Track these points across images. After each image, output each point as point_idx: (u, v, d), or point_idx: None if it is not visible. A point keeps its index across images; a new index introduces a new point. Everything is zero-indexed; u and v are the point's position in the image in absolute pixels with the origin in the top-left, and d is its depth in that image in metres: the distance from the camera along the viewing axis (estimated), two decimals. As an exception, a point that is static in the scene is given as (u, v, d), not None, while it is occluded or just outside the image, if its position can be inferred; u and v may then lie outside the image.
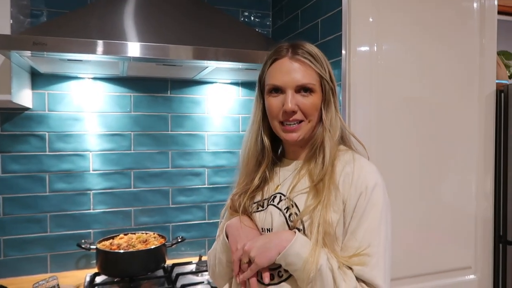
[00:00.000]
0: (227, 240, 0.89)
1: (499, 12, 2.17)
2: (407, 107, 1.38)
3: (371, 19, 1.33)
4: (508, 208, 1.47)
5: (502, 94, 1.53)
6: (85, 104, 1.70)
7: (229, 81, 1.86)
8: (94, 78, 1.71)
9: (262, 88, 0.94)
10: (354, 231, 0.82)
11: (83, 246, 1.58)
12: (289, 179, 0.92)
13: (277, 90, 0.89)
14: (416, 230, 1.39)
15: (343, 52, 1.32)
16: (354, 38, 1.31)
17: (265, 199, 0.92)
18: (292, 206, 0.86)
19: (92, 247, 1.58)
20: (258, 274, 0.85)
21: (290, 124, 0.88)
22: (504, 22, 2.29)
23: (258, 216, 0.91)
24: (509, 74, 1.89)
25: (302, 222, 0.83)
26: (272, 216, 0.88)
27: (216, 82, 1.86)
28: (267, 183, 0.95)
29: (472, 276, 1.47)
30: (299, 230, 0.83)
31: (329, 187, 0.83)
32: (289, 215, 0.85)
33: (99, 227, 1.72)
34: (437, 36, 1.42)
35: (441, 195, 1.44)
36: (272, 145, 0.96)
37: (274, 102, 0.89)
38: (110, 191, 1.74)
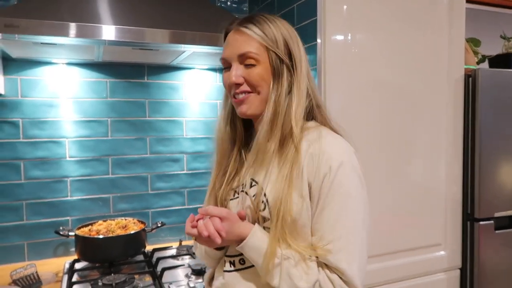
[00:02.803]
0: None
1: (468, 1, 2.25)
2: (380, 93, 1.43)
3: (345, 7, 1.35)
4: (476, 188, 1.54)
5: (470, 79, 1.59)
6: (60, 90, 1.67)
7: (207, 67, 1.86)
8: (69, 64, 1.68)
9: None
10: (318, 216, 0.79)
11: (61, 233, 1.57)
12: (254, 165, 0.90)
13: (227, 65, 0.87)
14: (389, 210, 1.45)
15: (318, 39, 1.34)
16: (329, 25, 1.33)
17: (241, 185, 0.89)
18: (261, 194, 0.82)
19: (70, 233, 1.57)
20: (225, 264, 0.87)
21: (239, 96, 0.86)
22: (473, 10, 2.37)
23: (231, 204, 0.90)
24: (477, 60, 1.96)
25: (269, 212, 0.81)
26: (243, 204, 0.86)
27: (193, 68, 1.86)
28: (243, 166, 0.91)
29: (442, 252, 1.55)
30: (264, 220, 0.82)
31: (292, 172, 0.79)
32: (257, 204, 0.83)
33: (78, 215, 1.71)
34: (408, 24, 1.46)
35: (413, 177, 1.50)
36: (246, 126, 0.93)
37: (225, 76, 0.88)
38: (88, 178, 1.73)
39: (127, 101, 1.78)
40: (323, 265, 0.78)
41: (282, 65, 0.84)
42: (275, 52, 0.84)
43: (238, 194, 0.89)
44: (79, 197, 1.72)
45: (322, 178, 0.78)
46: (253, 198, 0.83)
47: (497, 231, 1.56)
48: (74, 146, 1.70)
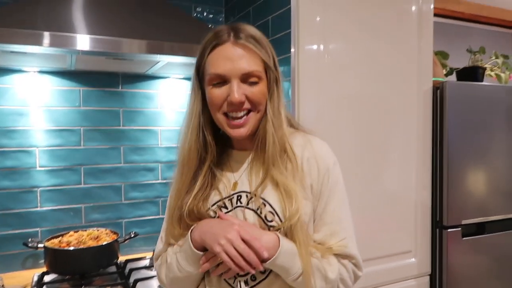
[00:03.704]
0: (194, 250, 0.81)
1: (437, 15, 2.34)
2: (352, 103, 1.46)
3: (318, 18, 1.39)
4: (444, 196, 1.59)
5: (438, 91, 1.65)
6: (30, 99, 1.63)
7: (182, 76, 1.87)
8: (40, 72, 1.65)
9: (201, 78, 0.86)
10: (323, 213, 0.86)
11: (30, 245, 1.53)
12: (244, 174, 0.88)
13: (220, 80, 0.81)
14: (359, 218, 1.48)
15: (292, 49, 1.37)
16: (303, 36, 1.37)
17: (225, 199, 0.86)
18: (265, 205, 0.82)
19: (40, 245, 1.53)
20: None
21: (238, 117, 0.82)
22: (441, 24, 2.46)
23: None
24: (445, 73, 2.04)
25: (280, 220, 0.81)
26: (244, 218, 0.83)
27: (169, 77, 1.85)
28: (219, 180, 0.88)
29: (412, 260, 1.59)
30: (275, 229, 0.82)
31: (295, 179, 0.83)
32: (265, 216, 0.82)
33: (48, 225, 1.67)
34: (379, 36, 1.51)
35: (383, 185, 1.53)
36: (215, 138, 0.89)
37: (217, 93, 0.81)
38: (59, 188, 1.69)
39: (101, 110, 1.75)
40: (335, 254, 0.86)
41: (274, 79, 0.85)
42: (270, 68, 0.84)
43: (226, 208, 0.86)
44: (50, 208, 1.67)
45: (322, 179, 0.86)
46: (257, 210, 0.82)
47: (464, 238, 1.61)
48: (45, 156, 1.66)
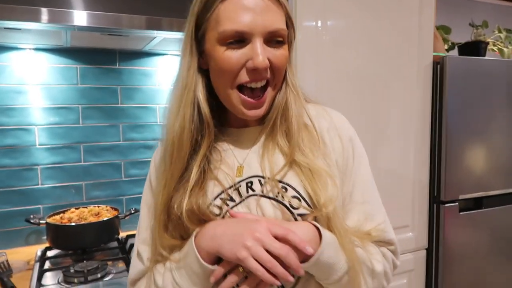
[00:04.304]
0: (203, 262, 0.61)
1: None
2: (350, 79, 1.45)
3: (316, -8, 1.36)
4: (442, 171, 1.60)
5: (439, 66, 1.63)
6: (28, 76, 1.63)
7: (180, 53, 1.84)
8: (36, 49, 1.63)
9: (202, 38, 0.66)
10: (352, 193, 0.71)
11: (32, 221, 1.55)
12: (252, 155, 0.70)
13: (238, 38, 0.62)
14: (359, 194, 1.49)
15: (290, 24, 1.35)
16: (301, 13, 1.34)
17: (229, 189, 0.68)
18: (286, 190, 0.66)
19: (42, 222, 1.55)
20: None
21: (257, 90, 0.65)
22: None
23: (234, 211, 0.67)
24: (446, 48, 2.01)
25: (309, 206, 0.65)
26: (261, 209, 0.66)
27: (166, 54, 1.84)
28: (216, 168, 0.69)
29: (409, 234, 1.60)
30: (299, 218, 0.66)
31: (316, 157, 0.68)
32: (289, 203, 0.65)
33: (49, 203, 1.69)
34: (378, 12, 1.48)
35: (381, 161, 1.54)
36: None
37: (234, 57, 0.62)
38: (59, 165, 1.70)
39: (99, 87, 1.75)
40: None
41: (291, 43, 0.70)
42: (292, 28, 0.69)
43: (233, 200, 0.67)
44: (51, 185, 1.69)
45: (347, 152, 0.72)
46: (277, 196, 0.66)
47: (461, 213, 1.62)
48: (44, 134, 1.66)
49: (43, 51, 1.64)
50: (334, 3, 1.39)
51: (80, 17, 1.24)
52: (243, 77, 0.64)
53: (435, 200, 1.61)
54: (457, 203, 1.60)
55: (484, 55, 1.89)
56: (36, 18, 1.20)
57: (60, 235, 1.50)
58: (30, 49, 1.62)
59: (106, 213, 1.62)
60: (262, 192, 0.66)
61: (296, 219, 0.65)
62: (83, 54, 1.70)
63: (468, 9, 2.55)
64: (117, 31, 1.36)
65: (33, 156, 1.66)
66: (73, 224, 1.50)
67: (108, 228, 1.56)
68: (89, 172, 1.76)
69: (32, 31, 1.33)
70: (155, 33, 1.40)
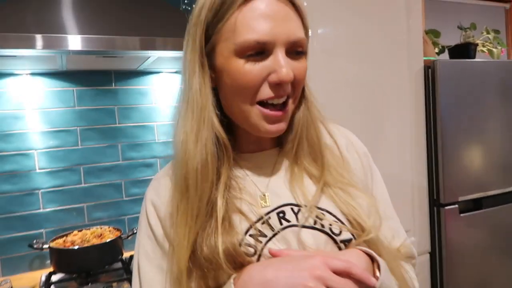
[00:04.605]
0: None
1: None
2: (343, 85, 1.47)
3: (305, 3, 1.38)
4: (440, 174, 1.61)
5: (430, 70, 1.66)
6: (25, 101, 1.64)
7: (174, 70, 1.87)
8: (33, 74, 1.65)
9: (210, 51, 0.59)
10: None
11: (35, 246, 1.55)
12: (276, 181, 0.64)
13: (260, 49, 0.56)
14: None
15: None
16: (291, 23, 1.36)
17: (257, 223, 0.59)
18: (324, 215, 0.60)
19: (45, 246, 1.55)
20: None
21: (277, 106, 0.59)
22: (432, 2, 2.45)
23: (271, 249, 0.58)
24: (437, 51, 2.04)
25: (352, 229, 0.60)
26: (301, 241, 0.58)
27: (161, 72, 1.86)
28: (236, 198, 0.61)
29: (412, 238, 1.61)
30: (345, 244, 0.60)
31: (345, 176, 0.65)
32: (330, 229, 0.59)
33: (52, 226, 1.69)
34: (368, 17, 1.51)
35: (380, 166, 1.54)
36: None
37: (256, 70, 0.56)
38: (60, 188, 1.71)
39: (96, 108, 1.76)
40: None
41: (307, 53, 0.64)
42: (308, 38, 0.63)
43: (264, 235, 0.59)
44: (52, 209, 1.69)
45: (365, 168, 0.70)
46: (316, 223, 0.59)
47: (462, 214, 1.63)
48: (44, 158, 1.67)
49: (40, 75, 1.66)
50: (324, 11, 1.42)
51: (75, 41, 1.26)
52: (266, 92, 0.57)
53: (435, 203, 1.63)
54: (457, 205, 1.62)
55: (474, 57, 1.93)
56: (31, 45, 1.21)
57: (63, 259, 1.50)
58: (26, 74, 1.64)
59: (108, 234, 1.62)
60: (298, 221, 0.59)
61: (339, 247, 0.59)
62: (79, 77, 1.72)
63: (455, 12, 2.59)
64: (112, 53, 1.38)
65: (33, 180, 1.66)
66: (76, 247, 1.50)
67: (112, 249, 1.56)
68: (90, 193, 1.76)
69: (27, 57, 1.35)
70: (150, 53, 1.42)
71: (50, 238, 1.64)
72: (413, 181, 1.61)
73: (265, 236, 0.59)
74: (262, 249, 0.58)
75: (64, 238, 1.61)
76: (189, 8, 1.90)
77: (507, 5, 2.77)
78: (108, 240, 1.54)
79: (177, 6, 1.87)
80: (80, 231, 1.66)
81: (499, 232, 1.73)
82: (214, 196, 0.58)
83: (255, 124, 0.59)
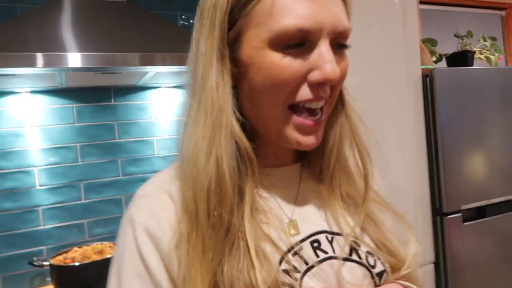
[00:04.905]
0: None
1: (425, 2, 2.35)
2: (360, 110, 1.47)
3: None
4: (442, 183, 1.60)
5: (428, 79, 1.66)
6: (25, 119, 1.65)
7: (173, 85, 1.88)
8: (32, 92, 1.66)
9: (234, 40, 0.48)
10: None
11: (35, 263, 1.54)
12: (305, 204, 0.55)
13: (301, 40, 0.45)
14: (361, 212, 1.49)
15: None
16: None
17: (288, 253, 0.49)
18: (359, 246, 0.53)
19: (45, 263, 1.54)
20: None
21: (313, 112, 0.48)
22: (429, 11, 2.47)
23: (308, 283, 0.48)
24: (435, 60, 2.05)
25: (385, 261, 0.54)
26: (339, 277, 0.50)
27: (160, 87, 1.87)
28: (262, 221, 0.49)
29: (415, 249, 1.59)
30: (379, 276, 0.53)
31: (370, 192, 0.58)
32: (368, 262, 0.52)
33: (52, 243, 1.68)
34: (365, 26, 1.52)
35: (383, 176, 1.54)
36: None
37: (296, 65, 0.45)
38: (60, 205, 1.71)
39: (95, 124, 1.77)
40: None
41: None
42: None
43: (298, 270, 0.49)
44: (53, 225, 1.69)
45: (377, 186, 0.65)
46: (351, 255, 0.52)
47: (465, 223, 1.62)
48: (44, 174, 1.67)
49: (39, 93, 1.67)
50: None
51: (75, 59, 1.28)
52: (305, 93, 0.47)
53: (438, 212, 1.61)
54: (460, 214, 1.60)
55: (472, 64, 1.93)
56: (30, 64, 1.23)
57: (64, 276, 1.49)
58: (26, 92, 1.65)
59: (109, 250, 1.61)
60: (334, 252, 0.51)
61: (375, 282, 0.52)
62: (78, 93, 1.73)
63: (451, 20, 2.61)
64: (111, 69, 1.39)
65: (33, 197, 1.66)
66: (76, 264, 1.49)
67: (112, 265, 1.55)
68: (91, 209, 1.75)
69: (27, 75, 1.36)
70: (148, 68, 1.44)
71: (50, 254, 1.63)
72: (415, 190, 1.60)
73: (298, 271, 0.48)
74: (299, 286, 0.47)
75: (65, 254, 1.60)
76: (186, 23, 1.92)
77: (503, 12, 2.78)
78: (109, 256, 1.53)
79: (175, 22, 1.89)
80: (81, 247, 1.65)
81: (504, 240, 1.71)
82: (237, 222, 0.46)
83: (286, 133, 0.48)
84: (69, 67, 1.28)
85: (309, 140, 0.49)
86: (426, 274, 1.60)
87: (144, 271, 0.47)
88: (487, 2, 2.67)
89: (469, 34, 2.04)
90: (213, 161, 0.46)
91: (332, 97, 0.51)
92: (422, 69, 1.69)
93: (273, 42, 0.45)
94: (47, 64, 1.24)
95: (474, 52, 1.98)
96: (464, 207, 1.61)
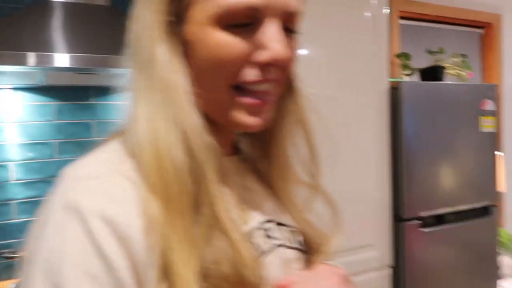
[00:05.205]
0: None
1: (404, 18, 2.43)
2: (316, 106, 1.53)
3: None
4: (403, 191, 1.66)
5: (396, 91, 1.73)
6: (4, 115, 1.70)
7: (152, 87, 1.93)
8: (14, 88, 1.71)
9: (178, 16, 0.44)
10: None
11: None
12: (252, 192, 0.54)
13: (247, 19, 0.43)
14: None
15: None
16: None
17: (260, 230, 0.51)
18: (298, 233, 0.56)
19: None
20: None
21: (258, 93, 0.46)
22: (408, 26, 2.55)
23: (268, 263, 0.48)
24: (408, 73, 2.12)
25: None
26: (288, 263, 0.52)
27: (139, 89, 1.92)
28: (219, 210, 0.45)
29: (374, 252, 1.65)
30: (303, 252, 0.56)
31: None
32: (300, 245, 0.55)
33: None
34: (337, 38, 1.60)
35: (344, 183, 1.60)
36: None
37: (241, 45, 0.43)
38: (36, 199, 1.75)
39: (74, 122, 1.82)
40: None
41: None
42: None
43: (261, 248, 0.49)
44: (27, 219, 1.73)
45: None
46: (291, 240, 0.54)
47: (423, 229, 1.68)
48: (20, 169, 1.72)
49: (21, 90, 1.73)
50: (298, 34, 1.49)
51: (62, 59, 1.33)
52: (249, 74, 0.44)
53: (397, 218, 1.67)
54: (418, 221, 1.66)
55: (442, 79, 2.01)
56: (19, 62, 1.28)
57: (32, 268, 1.52)
58: (7, 88, 1.71)
59: (79, 244, 1.64)
60: (282, 239, 0.52)
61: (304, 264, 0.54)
62: (59, 92, 1.79)
63: (432, 37, 2.69)
64: (93, 70, 1.45)
65: (8, 191, 1.70)
66: (45, 256, 1.53)
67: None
68: (65, 204, 1.79)
69: (11, 73, 1.42)
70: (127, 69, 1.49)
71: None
72: (376, 197, 1.66)
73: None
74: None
75: (36, 247, 1.63)
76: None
77: (482, 31, 2.87)
78: (77, 250, 1.57)
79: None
80: (52, 241, 1.69)
81: (460, 248, 1.78)
82: (208, 196, 0.42)
83: (232, 115, 0.46)
84: (56, 67, 1.34)
85: (255, 121, 0.46)
86: (383, 278, 1.66)
87: (99, 268, 0.39)
88: (467, 20, 2.75)
89: (441, 50, 2.13)
90: (176, 135, 0.42)
91: (281, 81, 0.48)
92: (391, 82, 1.76)
93: (219, 19, 0.42)
94: (36, 63, 1.30)
95: (444, 67, 2.06)
96: (423, 214, 1.67)
